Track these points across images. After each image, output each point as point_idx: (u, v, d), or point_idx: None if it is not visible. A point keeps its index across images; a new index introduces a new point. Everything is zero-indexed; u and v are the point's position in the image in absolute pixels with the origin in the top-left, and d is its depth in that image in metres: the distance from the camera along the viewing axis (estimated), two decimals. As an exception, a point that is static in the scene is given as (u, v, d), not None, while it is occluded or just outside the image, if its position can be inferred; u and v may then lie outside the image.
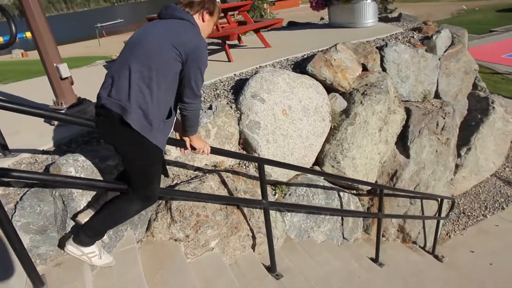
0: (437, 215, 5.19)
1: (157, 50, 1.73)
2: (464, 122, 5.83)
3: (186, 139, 2.19)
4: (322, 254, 3.64)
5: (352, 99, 4.27)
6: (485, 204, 6.09)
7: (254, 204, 3.18)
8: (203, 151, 2.25)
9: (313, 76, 4.14)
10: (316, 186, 4.03)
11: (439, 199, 4.99)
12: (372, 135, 4.38)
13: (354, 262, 3.85)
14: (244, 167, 3.58)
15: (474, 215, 5.91)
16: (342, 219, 4.36)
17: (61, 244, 2.18)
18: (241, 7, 5.54)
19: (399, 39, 5.51)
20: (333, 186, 4.28)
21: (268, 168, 3.50)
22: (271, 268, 3.04)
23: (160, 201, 2.81)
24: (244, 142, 3.64)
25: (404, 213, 4.96)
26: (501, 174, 6.57)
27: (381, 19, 7.29)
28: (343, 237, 4.44)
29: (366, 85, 4.39)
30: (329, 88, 4.30)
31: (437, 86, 5.44)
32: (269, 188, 3.63)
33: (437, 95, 5.52)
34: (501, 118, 5.74)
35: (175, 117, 2.03)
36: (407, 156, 4.86)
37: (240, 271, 2.90)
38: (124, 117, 1.71)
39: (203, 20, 1.94)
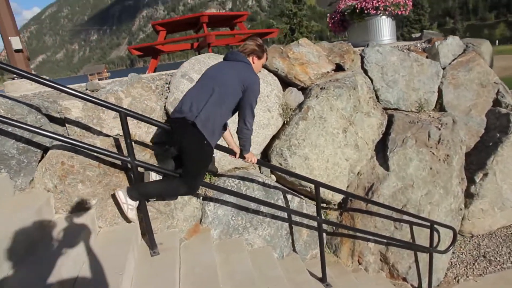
0: (430, 246, 4.23)
1: (230, 82, 2.47)
2: (481, 143, 4.87)
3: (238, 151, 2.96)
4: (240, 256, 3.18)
5: (309, 93, 3.91)
6: (517, 250, 4.84)
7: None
8: (251, 160, 2.99)
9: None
10: (252, 181, 3.64)
11: (430, 224, 4.08)
12: (334, 136, 3.90)
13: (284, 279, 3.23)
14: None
15: (499, 260, 4.72)
16: (291, 227, 3.82)
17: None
18: (236, 17, 5.63)
19: (398, 48, 5.00)
20: (282, 187, 3.82)
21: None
22: (151, 247, 2.74)
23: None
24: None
25: (387, 240, 4.15)
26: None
27: (404, 37, 6.77)
28: (293, 250, 3.86)
29: (331, 81, 4.01)
30: (287, 81, 4.02)
31: (440, 97, 4.72)
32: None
33: (442, 109, 4.77)
34: (528, 139, 4.67)
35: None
36: (387, 168, 4.19)
37: (108, 239, 2.65)
38: (197, 125, 2.35)
39: (253, 62, 2.67)
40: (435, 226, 4.19)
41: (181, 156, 2.64)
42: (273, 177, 3.97)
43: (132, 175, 2.70)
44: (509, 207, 4.81)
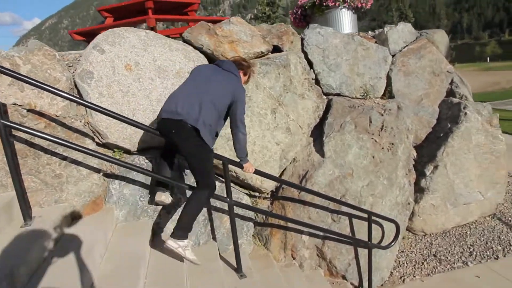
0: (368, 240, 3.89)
1: (221, 92, 2.68)
2: (433, 134, 4.59)
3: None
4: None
5: (236, 71, 3.66)
6: (471, 250, 4.51)
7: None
8: (249, 170, 3.07)
9: (188, 42, 3.69)
10: (167, 161, 3.36)
11: (367, 215, 3.77)
12: (261, 116, 3.64)
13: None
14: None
15: (450, 260, 4.39)
16: (210, 213, 3.53)
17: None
18: (187, 6, 5.44)
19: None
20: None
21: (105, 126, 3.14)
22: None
23: None
24: (78, 92, 3.27)
25: (324, 234, 3.85)
26: (505, 213, 4.93)
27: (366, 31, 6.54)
28: (213, 239, 3.56)
29: (259, 57, 3.77)
30: (214, 60, 3.78)
31: (389, 84, 4.46)
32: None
33: (392, 97, 4.51)
34: (481, 131, 4.38)
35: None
36: (322, 154, 3.91)
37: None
38: (200, 132, 2.54)
39: (241, 75, 2.95)
40: (375, 218, 3.89)
41: (185, 159, 2.87)
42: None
43: None
44: (462, 204, 4.50)
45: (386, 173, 4.06)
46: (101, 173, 3.13)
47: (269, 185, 3.84)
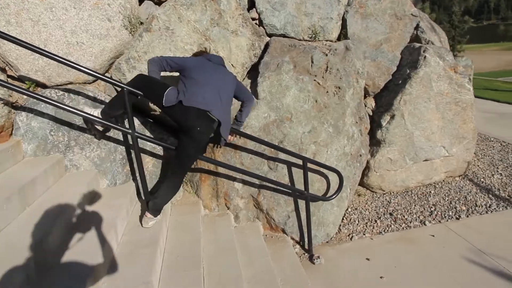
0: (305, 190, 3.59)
1: (229, 86, 2.93)
2: (392, 82, 4.19)
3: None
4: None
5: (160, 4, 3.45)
6: (432, 209, 4.14)
7: None
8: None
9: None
10: (79, 94, 3.23)
11: (302, 161, 3.47)
12: (186, 52, 3.42)
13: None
14: None
15: (407, 219, 4.05)
16: (129, 153, 3.37)
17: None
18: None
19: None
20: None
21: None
22: None
23: None
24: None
25: (260, 182, 3.62)
26: (478, 174, 4.49)
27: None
28: (133, 180, 3.41)
29: (190, -8, 3.52)
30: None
31: (344, 27, 4.10)
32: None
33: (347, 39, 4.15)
34: (444, 77, 3.93)
35: None
36: (256, 96, 3.64)
37: None
38: (221, 122, 2.76)
39: None
40: (314, 167, 3.61)
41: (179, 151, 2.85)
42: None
43: None
44: (424, 159, 4.11)
45: (331, 119, 3.74)
46: (3, 104, 3.01)
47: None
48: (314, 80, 3.67)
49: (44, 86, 3.29)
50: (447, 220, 3.97)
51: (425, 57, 3.83)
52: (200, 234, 3.12)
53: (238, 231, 3.68)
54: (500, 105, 8.47)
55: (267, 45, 3.81)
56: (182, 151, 2.79)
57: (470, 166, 4.70)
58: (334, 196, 3.64)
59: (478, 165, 4.87)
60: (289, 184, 3.70)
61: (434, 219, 4.00)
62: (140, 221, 2.92)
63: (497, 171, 4.72)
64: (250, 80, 3.78)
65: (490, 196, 4.26)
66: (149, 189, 3.31)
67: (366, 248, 3.68)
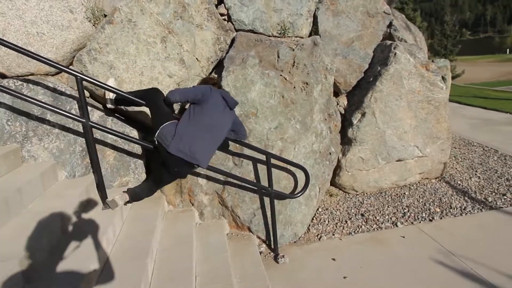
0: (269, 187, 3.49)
1: (225, 128, 3.02)
2: (364, 80, 4.13)
3: None
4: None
5: (125, -3, 3.44)
6: (405, 211, 4.03)
7: None
8: None
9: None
10: (38, 84, 3.20)
11: (266, 156, 3.38)
12: (149, 45, 3.40)
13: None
14: None
15: (378, 220, 3.94)
16: (89, 145, 3.30)
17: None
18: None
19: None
20: (77, 97, 3.31)
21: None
22: None
23: None
24: None
25: (224, 179, 3.54)
26: (456, 177, 4.39)
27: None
28: (94, 172, 3.33)
29: (156, -14, 3.52)
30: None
31: (316, 24, 4.08)
32: None
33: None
34: (415, 75, 3.87)
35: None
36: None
37: None
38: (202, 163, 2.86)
39: None
40: (279, 163, 3.53)
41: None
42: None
43: None
44: (397, 159, 4.02)
45: (299, 116, 3.68)
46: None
47: (162, 122, 3.55)
48: (281, 75, 3.62)
49: (3, 76, 3.25)
50: (420, 222, 3.86)
51: (395, 53, 3.78)
52: (155, 227, 3.03)
53: (201, 228, 3.59)
54: (486, 111, 8.42)
55: (234, 40, 3.78)
56: (159, 173, 2.96)
57: (447, 169, 4.60)
58: (299, 194, 3.55)
59: (456, 168, 4.77)
60: (255, 181, 3.61)
61: (406, 220, 3.89)
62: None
63: (476, 174, 4.61)
64: (216, 75, 3.73)
65: (466, 198, 4.14)
66: (114, 182, 3.28)
67: (333, 249, 3.57)
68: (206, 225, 3.67)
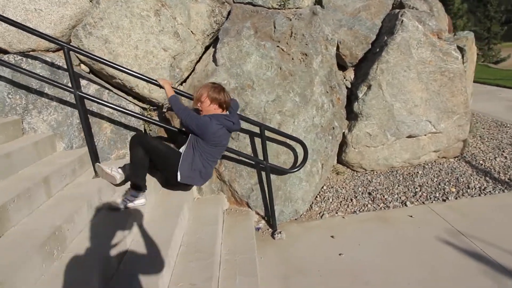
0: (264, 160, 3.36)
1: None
2: (371, 52, 3.88)
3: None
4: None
5: (120, -28, 3.47)
6: (417, 190, 3.75)
7: None
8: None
9: None
10: (36, 58, 3.31)
11: (259, 128, 3.25)
12: (142, 18, 3.41)
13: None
14: None
15: (386, 199, 3.70)
16: (87, 118, 3.37)
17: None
18: None
19: None
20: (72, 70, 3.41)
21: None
22: None
23: None
24: None
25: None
26: (478, 157, 4.04)
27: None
28: (90, 144, 3.40)
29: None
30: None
31: (318, -6, 3.91)
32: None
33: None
34: (425, 44, 3.56)
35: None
36: (216, 62, 3.54)
37: None
38: None
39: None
40: (277, 137, 3.41)
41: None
42: (84, 67, 3.58)
43: None
44: (407, 135, 3.75)
45: (298, 88, 3.53)
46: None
47: (159, 95, 3.57)
48: (278, 46, 3.49)
49: (6, 52, 3.39)
50: (432, 202, 3.57)
51: (402, 21, 3.51)
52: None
53: (198, 202, 3.55)
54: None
55: (230, 13, 3.69)
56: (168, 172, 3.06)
57: (469, 148, 4.23)
58: (297, 168, 3.40)
59: (479, 148, 4.37)
60: (252, 155, 3.51)
61: (417, 200, 3.62)
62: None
63: (502, 154, 4.20)
64: (213, 49, 3.67)
65: (487, 178, 3.78)
66: (111, 155, 3.32)
67: (334, 227, 3.39)
68: (204, 200, 3.62)
